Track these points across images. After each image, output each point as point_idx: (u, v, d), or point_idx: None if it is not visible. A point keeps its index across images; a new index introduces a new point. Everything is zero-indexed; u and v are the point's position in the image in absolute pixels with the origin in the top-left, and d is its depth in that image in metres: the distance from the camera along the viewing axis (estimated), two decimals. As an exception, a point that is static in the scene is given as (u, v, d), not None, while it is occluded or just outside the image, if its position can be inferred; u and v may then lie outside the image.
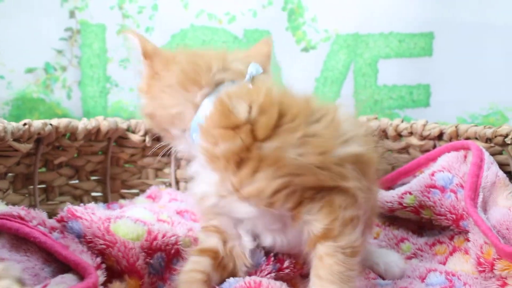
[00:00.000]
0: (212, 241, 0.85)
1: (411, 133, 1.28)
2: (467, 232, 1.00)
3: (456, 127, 1.18)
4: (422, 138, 1.25)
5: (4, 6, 1.56)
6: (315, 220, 0.74)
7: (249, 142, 0.72)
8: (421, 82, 1.66)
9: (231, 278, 0.81)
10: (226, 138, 0.73)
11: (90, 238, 0.86)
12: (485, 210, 0.99)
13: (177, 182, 1.42)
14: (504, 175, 1.04)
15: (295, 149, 0.72)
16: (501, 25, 1.61)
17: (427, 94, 1.66)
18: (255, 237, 0.85)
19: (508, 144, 1.07)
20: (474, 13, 1.62)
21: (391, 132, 1.31)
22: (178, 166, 1.42)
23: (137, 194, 1.39)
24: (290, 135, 0.73)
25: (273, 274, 0.85)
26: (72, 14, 1.61)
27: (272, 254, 0.87)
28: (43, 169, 1.23)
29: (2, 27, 1.57)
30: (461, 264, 0.99)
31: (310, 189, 0.73)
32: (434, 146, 1.24)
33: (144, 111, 0.89)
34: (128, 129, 1.34)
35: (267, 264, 0.85)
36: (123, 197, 1.37)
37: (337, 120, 0.78)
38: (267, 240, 0.84)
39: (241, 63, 0.86)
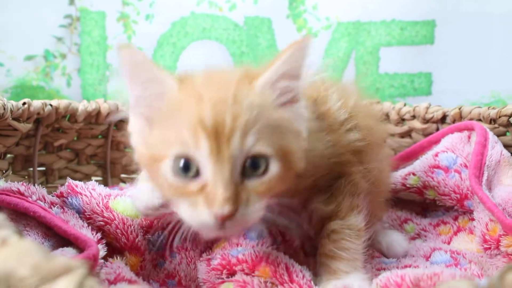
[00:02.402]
0: None
1: (413, 117, 1.27)
2: (471, 212, 1.00)
3: (459, 109, 1.17)
4: (425, 121, 1.24)
5: (4, -7, 1.55)
6: (323, 206, 0.79)
7: None
8: (423, 70, 1.65)
9: (239, 247, 0.81)
10: None
11: (89, 215, 0.85)
12: (489, 189, 0.98)
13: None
14: (509, 154, 1.03)
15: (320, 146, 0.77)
16: (503, 14, 1.60)
17: (428, 82, 1.65)
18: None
19: (513, 124, 1.06)
20: (476, 1, 1.61)
21: (393, 115, 1.30)
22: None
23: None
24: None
25: (274, 246, 0.83)
26: (71, 1, 1.59)
27: (273, 227, 0.85)
28: (43, 152, 1.21)
29: (1, 14, 1.55)
30: (466, 244, 0.98)
31: (323, 177, 0.79)
32: (437, 129, 1.23)
33: None
34: (129, 113, 1.32)
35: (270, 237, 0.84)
36: (123, 182, 1.35)
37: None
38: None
39: None
